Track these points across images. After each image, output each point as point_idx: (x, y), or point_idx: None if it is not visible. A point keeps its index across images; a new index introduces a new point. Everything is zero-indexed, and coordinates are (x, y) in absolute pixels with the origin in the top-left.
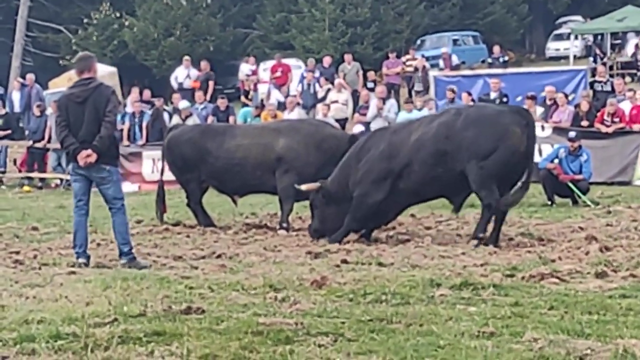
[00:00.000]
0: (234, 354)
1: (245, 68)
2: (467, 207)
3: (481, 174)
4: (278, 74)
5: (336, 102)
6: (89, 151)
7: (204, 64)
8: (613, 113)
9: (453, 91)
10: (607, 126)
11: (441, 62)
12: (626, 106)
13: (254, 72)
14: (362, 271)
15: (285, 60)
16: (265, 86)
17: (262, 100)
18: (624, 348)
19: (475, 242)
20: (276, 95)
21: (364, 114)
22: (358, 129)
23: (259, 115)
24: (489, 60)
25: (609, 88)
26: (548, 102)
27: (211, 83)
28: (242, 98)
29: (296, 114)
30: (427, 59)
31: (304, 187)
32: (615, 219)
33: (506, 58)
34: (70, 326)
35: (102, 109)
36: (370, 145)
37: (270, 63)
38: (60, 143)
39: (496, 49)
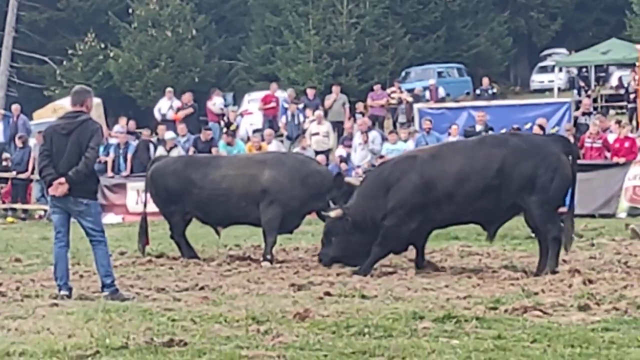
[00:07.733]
0: None
1: (218, 101)
2: (451, 239)
3: (546, 209)
4: (273, 104)
5: (317, 134)
6: (62, 179)
7: (184, 97)
8: (596, 133)
9: (429, 122)
10: (590, 148)
11: (427, 94)
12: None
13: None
14: (345, 304)
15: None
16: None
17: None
18: None
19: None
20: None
21: (349, 146)
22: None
23: (230, 144)
24: (477, 92)
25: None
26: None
27: (187, 111)
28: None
29: (274, 146)
30: (409, 91)
31: (331, 213)
32: (598, 251)
33: (494, 90)
34: (52, 358)
35: (85, 143)
36: (398, 175)
37: (255, 94)
38: (39, 172)
39: (485, 81)
